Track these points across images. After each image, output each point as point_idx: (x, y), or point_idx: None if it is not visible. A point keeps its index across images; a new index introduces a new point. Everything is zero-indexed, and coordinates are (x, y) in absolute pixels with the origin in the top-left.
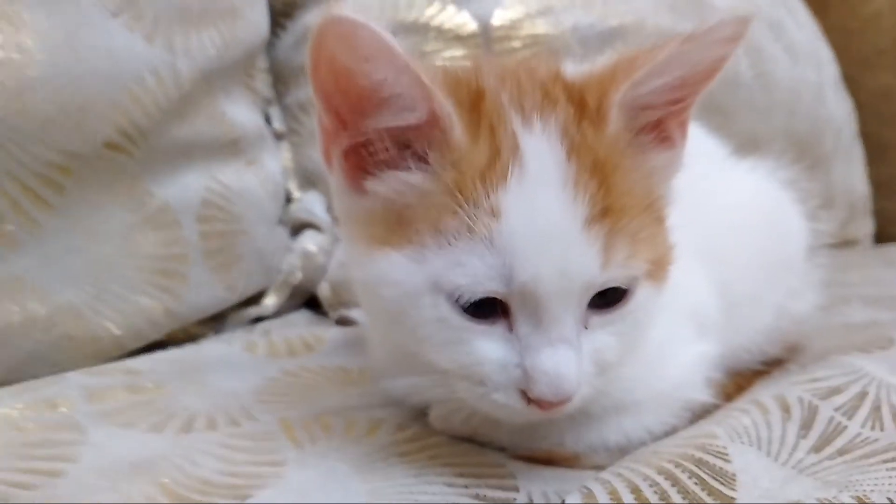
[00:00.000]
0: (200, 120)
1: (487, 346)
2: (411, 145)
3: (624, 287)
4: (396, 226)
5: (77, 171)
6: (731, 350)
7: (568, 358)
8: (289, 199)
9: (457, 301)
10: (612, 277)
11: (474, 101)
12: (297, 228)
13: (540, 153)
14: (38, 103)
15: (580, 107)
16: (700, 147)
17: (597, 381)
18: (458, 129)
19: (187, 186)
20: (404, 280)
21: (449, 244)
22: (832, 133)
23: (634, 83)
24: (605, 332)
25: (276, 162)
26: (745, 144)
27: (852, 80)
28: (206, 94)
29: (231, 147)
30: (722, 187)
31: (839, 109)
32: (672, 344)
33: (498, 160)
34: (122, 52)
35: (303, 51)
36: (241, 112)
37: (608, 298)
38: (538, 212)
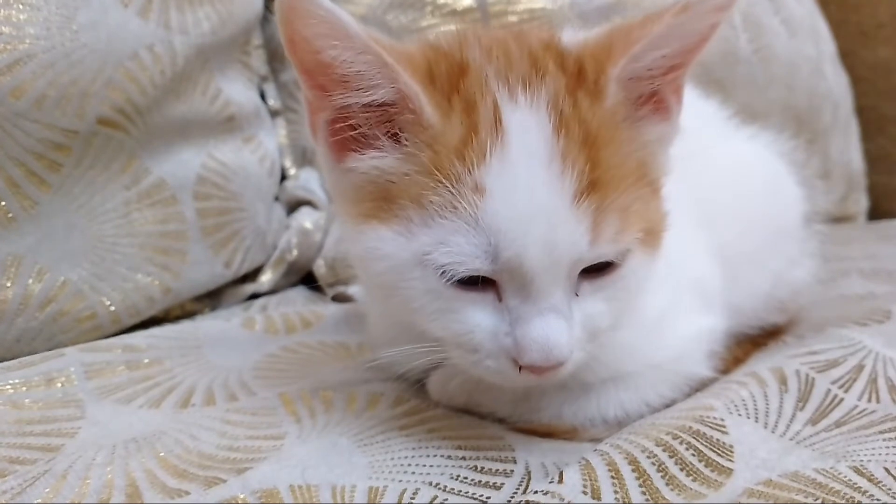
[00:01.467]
0: (196, 97)
1: (478, 315)
2: (388, 125)
3: (615, 261)
4: (383, 201)
5: (74, 149)
6: (730, 314)
7: (558, 326)
8: (284, 176)
9: (443, 275)
10: (601, 253)
11: (455, 77)
12: (294, 205)
13: (525, 127)
14: (30, 78)
15: (576, 77)
16: (699, 111)
17: (590, 345)
18: (427, 107)
19: (184, 163)
20: (393, 254)
21: (434, 221)
22: (830, 107)
23: (633, 57)
24: (597, 299)
25: (272, 139)
26: (745, 119)
27: (850, 54)
28: (202, 71)
29: (227, 124)
30: (721, 153)
31: (837, 84)
32: (672, 315)
33: (475, 136)
34: (116, 29)
35: None
36: (236, 89)
37: (599, 265)
38: (522, 188)
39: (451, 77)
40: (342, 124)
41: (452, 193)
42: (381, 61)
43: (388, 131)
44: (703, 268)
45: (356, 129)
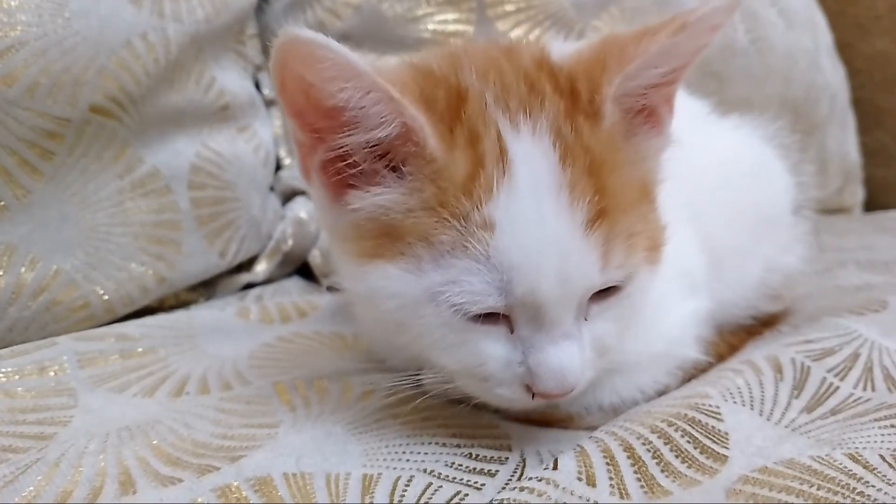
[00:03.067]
0: (190, 86)
1: (491, 346)
2: (389, 159)
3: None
4: (386, 238)
5: (66, 138)
6: (722, 305)
7: (571, 352)
8: (279, 167)
9: (455, 312)
10: (610, 279)
11: (455, 106)
12: (289, 195)
13: (530, 159)
14: (22, 66)
15: (571, 99)
16: (679, 106)
17: (599, 363)
18: (432, 140)
19: (178, 153)
20: (403, 292)
21: (444, 259)
22: (827, 99)
23: (627, 76)
24: (605, 319)
25: (267, 129)
26: (741, 111)
27: (847, 46)
28: (196, 59)
29: (221, 113)
30: (704, 145)
31: (834, 76)
32: (664, 304)
33: (482, 171)
34: (109, 16)
35: (294, 17)
36: (231, 78)
37: (607, 287)
38: (532, 222)
39: (450, 105)
40: (342, 163)
41: (461, 232)
42: (388, 97)
43: (389, 164)
44: (689, 256)
45: (357, 167)
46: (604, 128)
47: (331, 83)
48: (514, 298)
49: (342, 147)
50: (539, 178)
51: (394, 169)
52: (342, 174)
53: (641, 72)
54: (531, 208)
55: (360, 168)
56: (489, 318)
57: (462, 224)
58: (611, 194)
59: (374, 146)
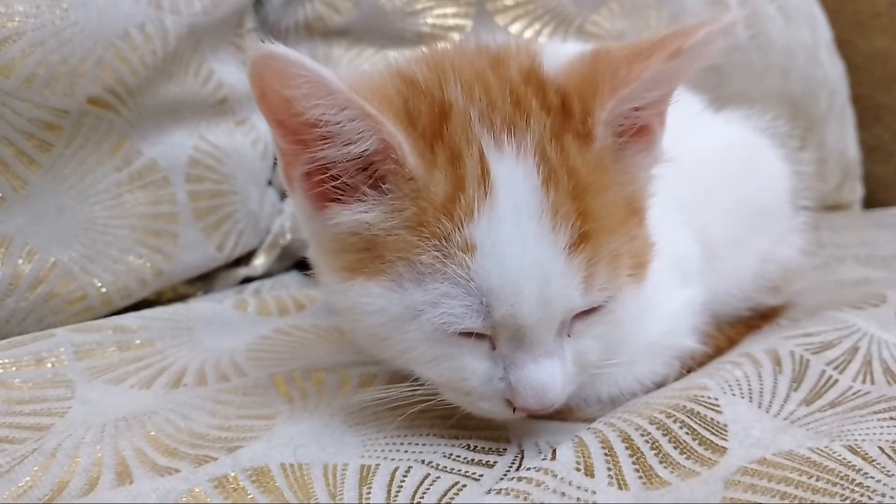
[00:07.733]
0: (188, 78)
1: (473, 362)
2: (369, 172)
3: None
4: (368, 254)
5: (64, 129)
6: (719, 296)
7: (552, 370)
8: (277, 160)
9: (436, 329)
10: (593, 300)
11: (437, 122)
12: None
13: (513, 180)
14: (19, 57)
15: (560, 115)
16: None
17: (581, 378)
18: (411, 158)
19: (176, 145)
20: (385, 309)
21: (425, 281)
22: (826, 95)
23: (621, 100)
24: (588, 336)
25: (265, 122)
26: (741, 105)
27: (847, 43)
28: (194, 51)
29: (219, 106)
30: (698, 139)
31: (833, 71)
32: (658, 295)
33: (462, 192)
34: (107, 7)
35: (293, 10)
36: (229, 71)
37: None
38: (513, 246)
39: (432, 120)
40: (322, 175)
41: (442, 253)
42: (364, 113)
43: (370, 179)
44: (682, 246)
45: (337, 179)
46: (593, 150)
47: (305, 99)
48: (494, 321)
49: (321, 159)
50: (521, 201)
51: (374, 186)
52: (323, 186)
53: (635, 95)
54: (513, 231)
55: (341, 181)
56: (471, 333)
57: (442, 245)
58: (595, 217)
59: (353, 160)
